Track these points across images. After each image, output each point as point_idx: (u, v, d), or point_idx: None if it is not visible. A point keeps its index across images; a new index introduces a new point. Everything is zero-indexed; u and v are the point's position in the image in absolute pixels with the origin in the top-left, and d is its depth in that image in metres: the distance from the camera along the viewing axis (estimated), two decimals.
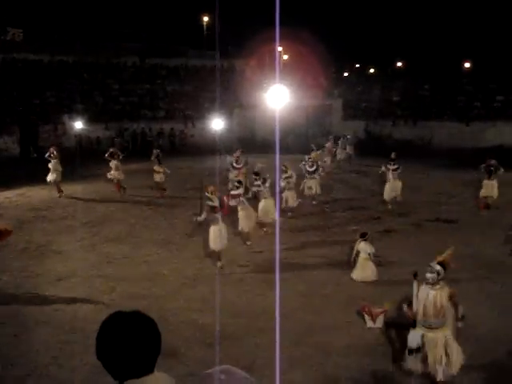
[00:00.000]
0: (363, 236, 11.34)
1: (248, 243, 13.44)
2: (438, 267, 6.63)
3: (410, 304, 6.94)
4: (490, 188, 16.90)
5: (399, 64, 55.27)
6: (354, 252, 11.30)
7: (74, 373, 7.41)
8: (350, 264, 11.36)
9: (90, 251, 13.30)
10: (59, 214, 16.82)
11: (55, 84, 36.99)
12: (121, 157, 20.25)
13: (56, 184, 19.41)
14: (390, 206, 17.59)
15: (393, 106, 41.16)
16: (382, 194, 18.13)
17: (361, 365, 7.62)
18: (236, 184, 13.59)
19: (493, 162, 17.17)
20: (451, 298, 6.62)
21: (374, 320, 8.75)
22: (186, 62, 45.21)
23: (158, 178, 19.36)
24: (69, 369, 7.55)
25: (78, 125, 29.92)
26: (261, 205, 14.71)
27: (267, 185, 14.95)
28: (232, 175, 18.13)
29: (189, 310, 9.57)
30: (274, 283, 9.53)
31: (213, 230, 11.62)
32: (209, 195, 11.59)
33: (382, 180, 18.80)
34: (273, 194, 14.96)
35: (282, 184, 16.22)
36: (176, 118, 36.85)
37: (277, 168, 16.48)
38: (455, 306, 6.73)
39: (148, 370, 2.25)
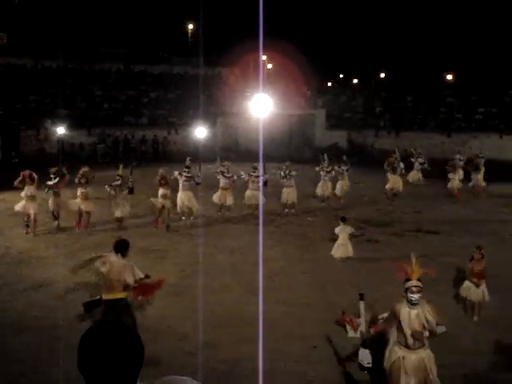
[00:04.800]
0: (343, 220, 13.05)
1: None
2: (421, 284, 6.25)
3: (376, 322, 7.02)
4: (395, 181, 20.18)
5: (382, 75, 55.79)
6: (335, 234, 12.94)
7: (55, 382, 7.32)
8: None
9: (71, 258, 13.15)
10: (40, 220, 16.62)
11: (38, 89, 36.75)
12: (91, 179, 16.42)
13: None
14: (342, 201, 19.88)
15: (376, 116, 41.46)
16: (363, 203, 19.43)
17: (342, 374, 7.64)
18: (117, 177, 15.96)
19: (395, 158, 20.61)
20: (433, 312, 6.18)
21: (355, 330, 8.76)
22: (170, 69, 45.19)
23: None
24: (50, 378, 7.46)
25: (61, 130, 29.59)
26: (178, 195, 16.54)
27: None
28: (222, 183, 17.71)
29: (170, 318, 9.53)
30: (256, 292, 9.52)
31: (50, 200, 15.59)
32: (51, 175, 15.54)
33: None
34: (190, 189, 16.71)
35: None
36: (159, 125, 36.72)
37: (261, 173, 17.77)
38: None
39: (131, 382, 2.21)
